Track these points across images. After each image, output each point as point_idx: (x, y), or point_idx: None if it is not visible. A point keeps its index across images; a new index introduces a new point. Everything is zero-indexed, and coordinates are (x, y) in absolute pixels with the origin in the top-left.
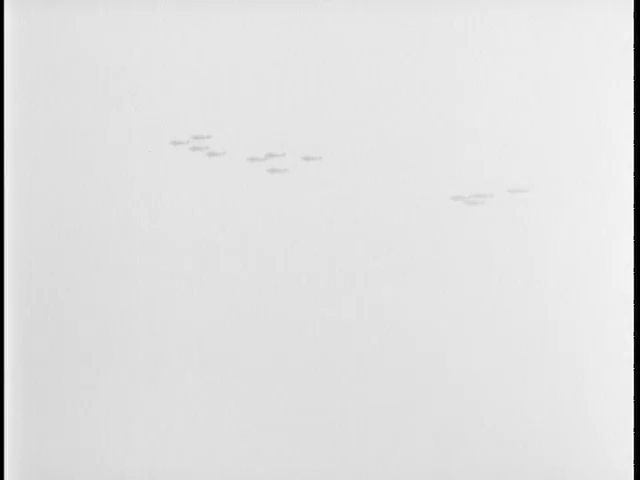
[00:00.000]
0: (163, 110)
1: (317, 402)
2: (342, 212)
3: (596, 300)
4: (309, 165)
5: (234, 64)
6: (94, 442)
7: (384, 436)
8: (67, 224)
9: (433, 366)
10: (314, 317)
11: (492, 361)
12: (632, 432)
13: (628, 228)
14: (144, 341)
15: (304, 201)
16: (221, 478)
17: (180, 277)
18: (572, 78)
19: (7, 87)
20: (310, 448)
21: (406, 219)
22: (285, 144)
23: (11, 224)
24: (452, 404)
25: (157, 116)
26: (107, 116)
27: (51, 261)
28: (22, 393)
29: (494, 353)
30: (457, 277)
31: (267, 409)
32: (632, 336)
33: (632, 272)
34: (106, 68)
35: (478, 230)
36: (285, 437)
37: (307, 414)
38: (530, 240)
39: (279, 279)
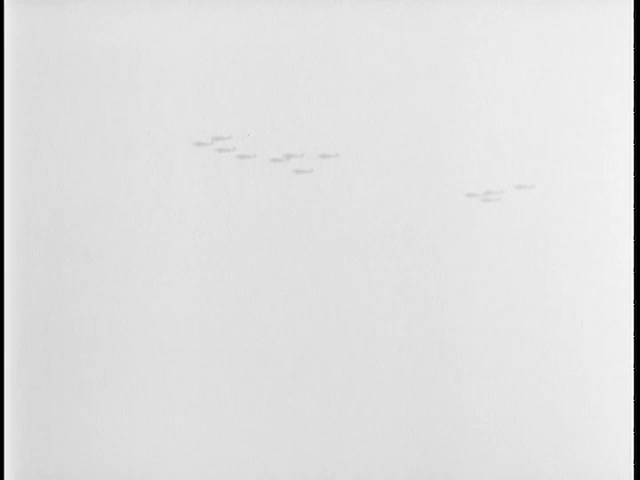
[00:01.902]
0: (168, 112)
1: (318, 402)
2: (359, 209)
3: (596, 300)
4: (326, 163)
5: (245, 64)
6: (93, 443)
7: (383, 436)
8: (76, 227)
9: (434, 365)
10: (330, 313)
11: (492, 360)
12: (632, 432)
13: (628, 228)
14: (146, 341)
15: (321, 199)
16: (221, 478)
17: (190, 280)
18: (573, 78)
19: (8, 87)
20: (310, 449)
21: (423, 215)
22: (302, 143)
23: (13, 224)
24: (451, 403)
25: (164, 117)
26: (111, 117)
27: (52, 261)
28: (22, 393)
29: (494, 352)
30: (467, 273)
31: (268, 410)
32: (632, 336)
33: (632, 272)
34: (111, 69)
35: (491, 226)
36: (285, 438)
37: (308, 415)
38: (534, 238)
39: (285, 278)
